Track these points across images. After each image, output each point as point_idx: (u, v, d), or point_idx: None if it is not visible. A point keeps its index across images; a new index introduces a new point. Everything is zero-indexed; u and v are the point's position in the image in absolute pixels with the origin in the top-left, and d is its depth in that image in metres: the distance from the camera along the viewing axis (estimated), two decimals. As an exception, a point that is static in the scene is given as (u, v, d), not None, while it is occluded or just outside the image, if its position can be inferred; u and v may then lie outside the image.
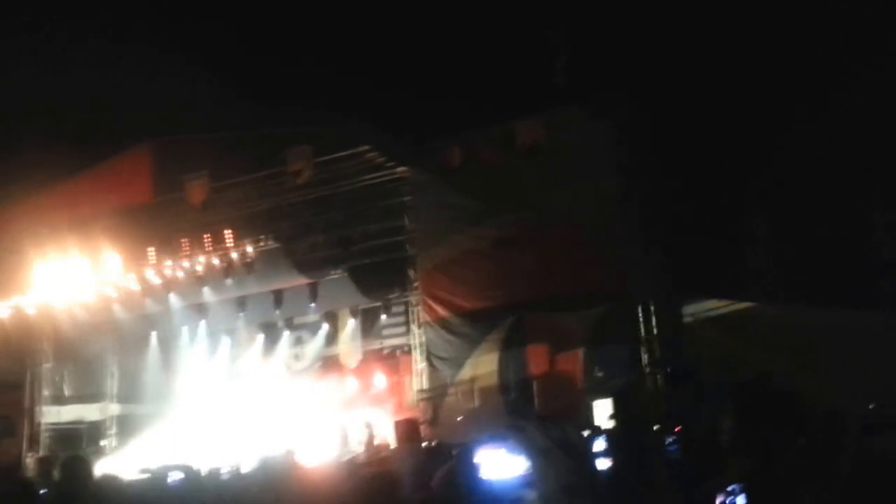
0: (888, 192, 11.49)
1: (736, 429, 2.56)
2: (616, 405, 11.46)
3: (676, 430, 5.68)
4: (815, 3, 11.70)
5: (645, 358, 11.79)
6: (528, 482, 1.14)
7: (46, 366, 15.55)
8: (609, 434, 3.94)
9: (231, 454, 11.92)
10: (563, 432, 1.16)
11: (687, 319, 12.06)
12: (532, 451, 1.18)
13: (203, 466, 8.28)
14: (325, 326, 14.80)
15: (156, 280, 14.23)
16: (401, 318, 13.89)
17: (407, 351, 13.43)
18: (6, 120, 13.62)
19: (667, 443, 5.98)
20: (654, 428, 5.64)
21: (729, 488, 2.87)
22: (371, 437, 12.80)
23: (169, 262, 14.22)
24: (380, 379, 13.96)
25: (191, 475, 6.33)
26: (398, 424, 9.14)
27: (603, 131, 12.06)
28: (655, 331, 11.89)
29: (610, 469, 3.54)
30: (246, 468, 7.29)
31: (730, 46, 12.24)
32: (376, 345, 14.41)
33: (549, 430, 1.16)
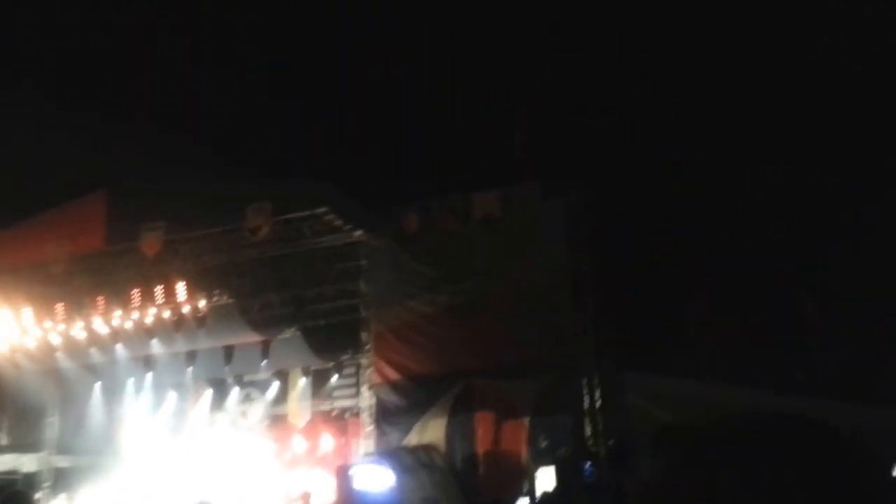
0: (816, 283, 12.33)
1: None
2: (559, 471, 11.86)
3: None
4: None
5: (588, 430, 12.19)
6: (394, 494, 1.46)
7: (-18, 413, 15.00)
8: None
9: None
10: (429, 456, 1.48)
11: (628, 393, 12.55)
12: (399, 468, 1.50)
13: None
14: (276, 384, 14.72)
15: (103, 329, 14.00)
16: (352, 380, 13.93)
17: (356, 413, 13.44)
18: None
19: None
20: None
21: None
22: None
23: (118, 312, 14.05)
24: (327, 440, 13.94)
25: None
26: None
27: (555, 209, 12.71)
28: (599, 403, 12.35)
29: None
30: None
31: (673, 131, 13.09)
32: (326, 406, 14.35)
33: (416, 453, 1.48)
